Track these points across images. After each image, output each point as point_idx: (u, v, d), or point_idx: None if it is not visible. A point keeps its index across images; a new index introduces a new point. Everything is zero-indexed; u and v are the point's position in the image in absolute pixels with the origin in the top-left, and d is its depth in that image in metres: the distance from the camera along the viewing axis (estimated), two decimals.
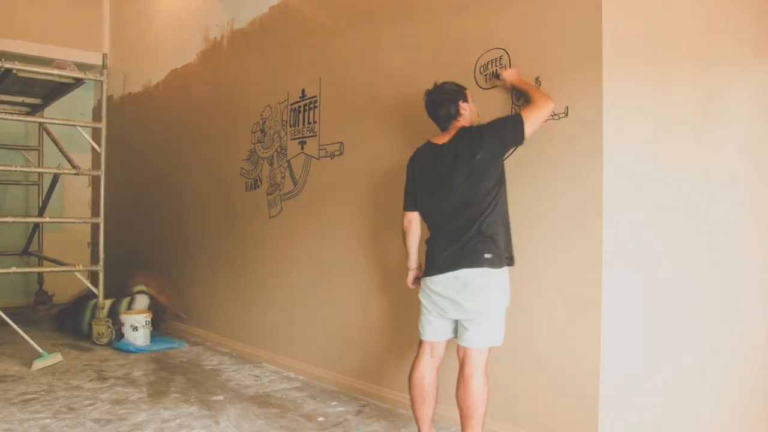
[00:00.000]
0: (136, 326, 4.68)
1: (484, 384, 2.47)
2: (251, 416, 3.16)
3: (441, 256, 2.50)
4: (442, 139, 2.62)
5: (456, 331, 2.57)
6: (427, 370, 2.62)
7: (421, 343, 2.64)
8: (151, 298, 5.18)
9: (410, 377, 2.63)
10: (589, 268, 2.50)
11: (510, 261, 2.52)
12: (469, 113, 2.66)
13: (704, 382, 2.93)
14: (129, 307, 5.00)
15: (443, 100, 2.65)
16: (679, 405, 2.81)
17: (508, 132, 2.51)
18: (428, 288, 2.57)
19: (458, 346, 2.53)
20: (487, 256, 2.41)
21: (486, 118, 2.88)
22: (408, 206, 2.72)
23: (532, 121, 2.49)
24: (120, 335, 4.76)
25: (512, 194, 2.66)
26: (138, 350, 4.60)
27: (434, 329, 2.59)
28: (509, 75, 2.72)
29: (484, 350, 2.48)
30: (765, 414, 3.18)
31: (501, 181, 2.53)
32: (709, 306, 2.95)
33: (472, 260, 2.42)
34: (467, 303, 2.44)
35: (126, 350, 4.60)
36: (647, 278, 2.67)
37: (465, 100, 2.66)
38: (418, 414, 2.65)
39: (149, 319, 4.74)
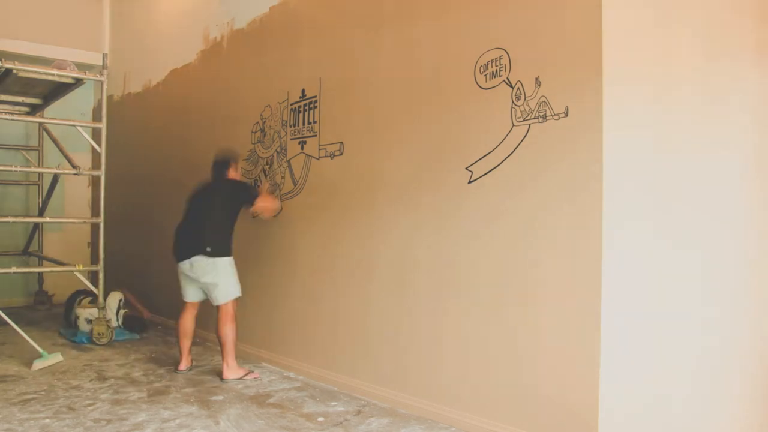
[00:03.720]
0: (90, 320, 4.92)
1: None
2: (251, 416, 3.16)
3: None
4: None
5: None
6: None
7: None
8: (127, 302, 5.35)
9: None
10: (589, 267, 2.50)
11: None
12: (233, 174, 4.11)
13: (704, 382, 2.93)
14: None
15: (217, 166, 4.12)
16: (679, 405, 2.81)
17: (246, 194, 4.03)
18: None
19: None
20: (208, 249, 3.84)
21: (486, 117, 2.89)
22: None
23: (263, 201, 4.02)
24: (75, 328, 5.05)
25: (513, 194, 2.66)
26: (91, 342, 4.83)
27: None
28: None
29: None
30: (765, 413, 3.18)
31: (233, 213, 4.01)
32: (709, 305, 2.95)
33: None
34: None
35: (81, 342, 4.82)
36: (647, 277, 2.67)
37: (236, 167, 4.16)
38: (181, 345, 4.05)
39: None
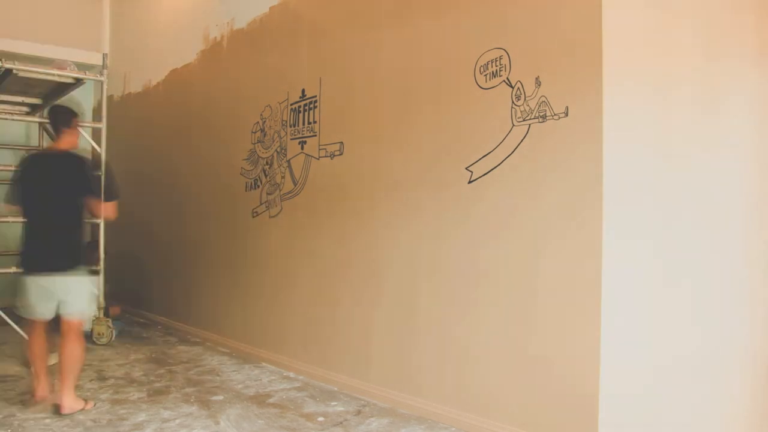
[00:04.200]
0: None
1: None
2: (251, 416, 3.16)
3: None
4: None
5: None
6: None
7: None
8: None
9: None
10: (589, 267, 2.50)
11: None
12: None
13: (705, 381, 2.93)
14: None
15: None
16: (679, 405, 2.81)
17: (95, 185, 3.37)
18: None
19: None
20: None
21: (486, 117, 2.90)
22: None
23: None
24: None
25: (512, 194, 2.66)
26: None
27: None
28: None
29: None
30: (765, 412, 3.18)
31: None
32: (709, 304, 2.95)
33: None
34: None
35: None
36: (647, 277, 2.67)
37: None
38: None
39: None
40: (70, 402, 3.15)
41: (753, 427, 3.14)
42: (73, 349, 3.22)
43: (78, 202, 3.28)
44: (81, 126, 3.54)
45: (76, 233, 3.32)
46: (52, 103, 5.41)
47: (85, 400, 3.29)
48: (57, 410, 3.15)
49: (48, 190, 3.28)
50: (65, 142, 3.36)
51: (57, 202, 3.27)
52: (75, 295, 3.24)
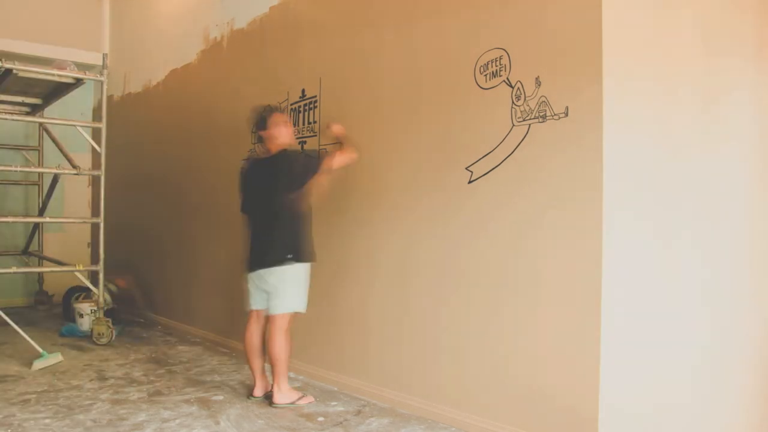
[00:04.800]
0: (82, 313, 5.11)
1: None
2: (251, 416, 3.16)
3: None
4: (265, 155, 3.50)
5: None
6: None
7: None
8: (112, 293, 5.47)
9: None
10: (589, 267, 2.50)
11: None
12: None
13: (705, 380, 2.93)
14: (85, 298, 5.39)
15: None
16: (679, 404, 2.81)
17: (311, 164, 3.33)
18: None
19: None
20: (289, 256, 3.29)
21: (486, 117, 2.89)
22: None
23: (333, 162, 3.31)
24: (73, 321, 5.24)
25: (513, 194, 2.66)
26: (83, 334, 5.02)
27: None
28: (337, 129, 3.40)
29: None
30: (765, 412, 3.18)
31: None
32: (710, 304, 2.95)
33: None
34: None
35: (71, 335, 5.05)
36: (648, 277, 2.67)
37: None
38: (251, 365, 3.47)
39: (95, 308, 4.97)
40: (280, 396, 3.31)
41: (755, 427, 3.14)
42: (274, 345, 3.29)
43: (282, 198, 3.30)
44: (283, 120, 3.45)
45: (283, 230, 3.32)
46: (52, 103, 5.43)
47: (303, 394, 3.42)
48: (269, 401, 3.35)
49: (256, 194, 3.45)
50: (270, 144, 3.41)
51: (264, 204, 3.37)
52: (279, 291, 3.31)
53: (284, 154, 3.37)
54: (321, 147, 3.86)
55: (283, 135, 3.40)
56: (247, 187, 3.51)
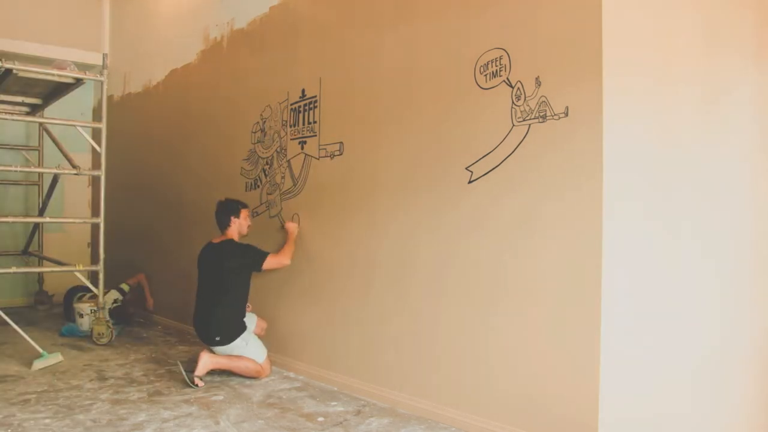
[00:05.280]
0: (82, 313, 5.13)
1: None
2: (251, 416, 3.16)
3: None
4: (217, 240, 4.02)
5: None
6: None
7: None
8: (123, 293, 5.51)
9: None
10: (589, 268, 2.50)
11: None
12: (236, 227, 4.00)
13: (705, 380, 2.93)
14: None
15: (220, 211, 4.03)
16: (679, 404, 2.81)
17: (253, 262, 3.87)
18: None
19: None
20: (217, 338, 3.83)
21: (486, 117, 2.89)
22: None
23: (271, 264, 3.89)
24: (73, 321, 5.27)
25: (513, 194, 2.66)
26: (83, 334, 5.04)
27: None
28: (290, 227, 4.00)
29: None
30: (766, 412, 3.18)
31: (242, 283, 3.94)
32: (711, 303, 2.95)
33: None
34: None
35: (70, 335, 5.08)
36: (648, 277, 2.67)
37: (237, 215, 3.99)
38: None
39: (95, 308, 4.98)
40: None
41: (756, 426, 3.14)
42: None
43: (225, 282, 3.90)
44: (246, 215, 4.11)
45: (223, 309, 3.89)
46: (52, 103, 5.43)
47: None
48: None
49: (206, 273, 4.03)
50: (228, 231, 4.02)
51: (210, 283, 3.99)
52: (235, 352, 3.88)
53: (231, 244, 3.95)
54: (321, 147, 3.86)
55: (243, 228, 4.04)
56: (201, 266, 4.03)
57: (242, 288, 3.93)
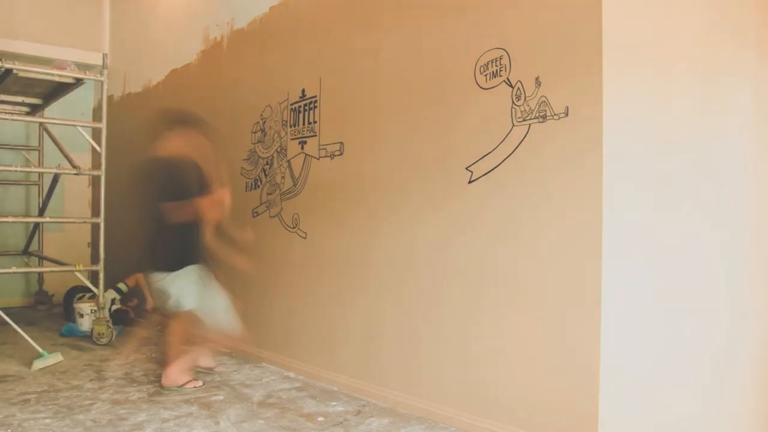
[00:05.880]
0: (82, 313, 5.12)
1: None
2: (251, 416, 3.16)
3: None
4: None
5: None
6: None
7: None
8: (120, 292, 5.49)
9: None
10: (588, 268, 2.50)
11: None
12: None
13: (709, 379, 2.93)
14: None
15: None
16: (680, 404, 2.81)
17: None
18: None
19: None
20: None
21: (486, 117, 2.89)
22: None
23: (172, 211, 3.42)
24: (73, 321, 5.25)
25: (513, 194, 2.66)
26: (83, 335, 5.03)
27: None
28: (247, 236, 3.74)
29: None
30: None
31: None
32: (711, 302, 2.95)
33: None
34: None
35: (70, 335, 5.06)
36: (648, 277, 2.67)
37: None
38: None
39: (95, 308, 4.98)
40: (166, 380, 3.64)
41: (758, 427, 3.14)
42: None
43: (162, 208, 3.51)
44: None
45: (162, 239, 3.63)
46: (52, 103, 5.43)
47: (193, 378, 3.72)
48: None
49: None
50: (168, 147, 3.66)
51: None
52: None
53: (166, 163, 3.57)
54: (321, 147, 3.86)
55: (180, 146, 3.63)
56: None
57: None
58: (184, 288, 3.58)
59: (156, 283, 3.62)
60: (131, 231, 6.20)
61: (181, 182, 3.50)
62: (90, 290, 5.17)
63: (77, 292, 5.60)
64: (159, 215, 3.45)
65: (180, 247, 3.58)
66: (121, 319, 5.32)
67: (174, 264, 3.58)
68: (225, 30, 4.89)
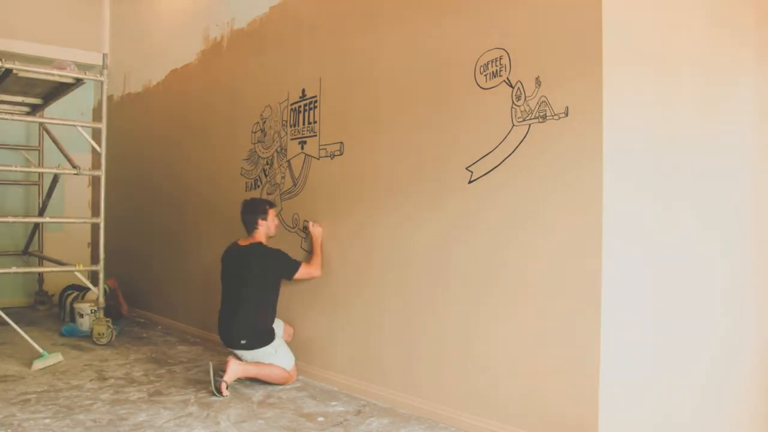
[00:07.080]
0: (82, 313, 5.13)
1: None
2: (251, 416, 3.16)
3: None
4: (244, 242, 3.81)
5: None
6: None
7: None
8: (106, 292, 5.41)
9: None
10: (588, 267, 2.50)
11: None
12: (264, 228, 3.81)
13: (708, 380, 2.93)
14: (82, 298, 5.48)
15: (246, 212, 3.83)
16: (680, 404, 2.81)
17: (283, 270, 3.74)
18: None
19: None
20: (243, 342, 3.63)
21: (486, 117, 2.89)
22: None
23: (303, 274, 3.74)
24: (72, 321, 5.29)
25: (513, 194, 2.66)
26: (83, 335, 5.04)
27: None
28: (315, 230, 3.81)
29: None
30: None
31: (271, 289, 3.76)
32: (712, 302, 2.95)
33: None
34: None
35: (71, 334, 5.08)
36: (648, 277, 2.67)
37: (264, 217, 3.80)
38: None
39: (96, 308, 4.98)
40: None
41: (758, 427, 3.14)
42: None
43: (251, 289, 3.73)
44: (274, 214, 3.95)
45: (249, 315, 3.71)
46: (52, 103, 5.43)
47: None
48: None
49: (230, 278, 3.86)
50: (256, 234, 3.83)
51: (236, 289, 3.81)
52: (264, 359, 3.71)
53: (260, 248, 3.75)
54: (321, 147, 3.86)
55: (270, 229, 3.86)
56: (225, 268, 3.85)
57: (272, 294, 3.74)
58: (280, 347, 3.73)
59: (249, 355, 3.66)
60: (131, 230, 6.22)
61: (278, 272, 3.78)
62: (79, 288, 5.19)
63: (69, 290, 5.68)
64: (255, 287, 3.67)
65: (264, 324, 3.73)
66: (112, 314, 5.30)
67: (271, 334, 3.72)
68: (225, 30, 4.89)
